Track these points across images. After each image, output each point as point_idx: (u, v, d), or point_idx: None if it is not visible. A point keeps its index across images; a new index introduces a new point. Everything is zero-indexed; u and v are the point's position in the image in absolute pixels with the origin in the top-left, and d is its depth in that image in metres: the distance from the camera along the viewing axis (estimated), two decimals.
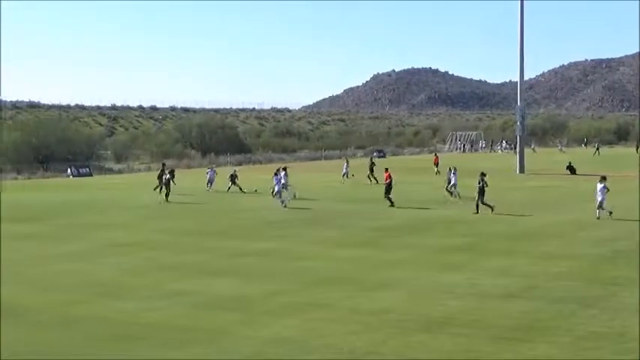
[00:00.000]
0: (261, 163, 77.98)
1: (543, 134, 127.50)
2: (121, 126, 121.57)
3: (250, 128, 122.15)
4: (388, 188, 35.94)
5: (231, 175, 47.13)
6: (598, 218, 30.32)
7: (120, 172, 71.26)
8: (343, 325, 14.85)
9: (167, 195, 39.72)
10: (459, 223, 29.84)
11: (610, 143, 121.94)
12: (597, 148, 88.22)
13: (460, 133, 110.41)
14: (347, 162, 57.17)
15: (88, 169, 67.34)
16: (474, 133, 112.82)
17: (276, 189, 37.83)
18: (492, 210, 32.23)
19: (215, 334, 14.38)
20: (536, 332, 14.24)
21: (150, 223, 31.21)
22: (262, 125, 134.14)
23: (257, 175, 56.40)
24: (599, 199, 30.59)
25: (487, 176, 33.27)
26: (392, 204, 35.36)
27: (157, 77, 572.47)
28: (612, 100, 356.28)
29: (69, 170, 65.91)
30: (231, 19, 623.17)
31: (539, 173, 55.55)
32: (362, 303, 16.78)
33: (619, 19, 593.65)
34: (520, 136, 62.64)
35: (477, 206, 32.29)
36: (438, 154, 66.19)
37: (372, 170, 51.51)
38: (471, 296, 17.24)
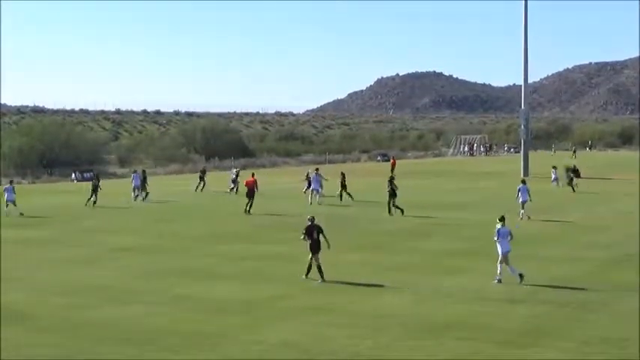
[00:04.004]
0: (265, 167, 77.94)
1: (548, 138, 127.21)
2: (125, 130, 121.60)
3: (254, 132, 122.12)
4: (250, 193, 35.04)
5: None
6: (528, 218, 30.97)
7: (124, 176, 71.26)
8: (347, 329, 14.87)
9: (94, 201, 38.33)
10: (462, 227, 29.82)
11: (614, 146, 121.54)
12: (574, 151, 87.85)
13: (464, 136, 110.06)
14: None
15: (92, 174, 67.39)
16: (478, 136, 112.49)
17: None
18: (403, 212, 33.00)
19: (219, 339, 14.41)
20: (540, 336, 14.25)
21: (153, 228, 31.23)
22: (266, 129, 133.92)
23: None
24: (523, 199, 31.49)
25: (395, 180, 34.65)
26: (248, 211, 34.63)
27: (160, 82, 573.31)
28: (617, 104, 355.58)
29: (73, 175, 65.87)
30: (235, 22, 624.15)
31: (543, 176, 55.38)
32: (366, 307, 16.80)
33: (623, 21, 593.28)
34: (524, 140, 62.55)
35: (389, 209, 33.47)
36: (395, 158, 68.02)
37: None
38: (476, 300, 17.25)
